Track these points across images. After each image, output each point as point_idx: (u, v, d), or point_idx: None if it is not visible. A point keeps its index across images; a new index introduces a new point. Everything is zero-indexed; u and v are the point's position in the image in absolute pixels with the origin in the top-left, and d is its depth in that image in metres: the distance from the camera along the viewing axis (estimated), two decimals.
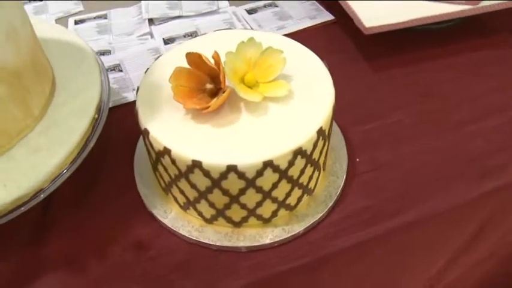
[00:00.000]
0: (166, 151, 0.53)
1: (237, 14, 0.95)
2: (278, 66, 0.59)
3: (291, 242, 0.61)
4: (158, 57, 0.65)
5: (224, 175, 0.52)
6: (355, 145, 0.71)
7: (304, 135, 0.54)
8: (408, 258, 0.71)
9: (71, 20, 0.97)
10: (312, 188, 0.63)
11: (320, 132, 0.56)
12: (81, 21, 0.96)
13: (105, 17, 0.97)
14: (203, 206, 0.58)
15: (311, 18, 0.94)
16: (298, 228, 0.61)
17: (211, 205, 0.57)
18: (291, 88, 0.58)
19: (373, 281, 0.71)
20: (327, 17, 0.94)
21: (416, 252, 0.71)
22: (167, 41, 0.89)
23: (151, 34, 0.91)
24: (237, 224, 0.60)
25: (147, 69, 0.63)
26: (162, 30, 0.92)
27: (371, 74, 0.84)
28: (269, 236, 0.60)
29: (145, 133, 0.55)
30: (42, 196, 0.54)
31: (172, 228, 0.61)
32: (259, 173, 0.53)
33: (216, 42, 0.59)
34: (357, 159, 0.69)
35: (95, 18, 0.97)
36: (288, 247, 0.61)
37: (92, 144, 0.57)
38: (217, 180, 0.53)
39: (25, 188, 0.52)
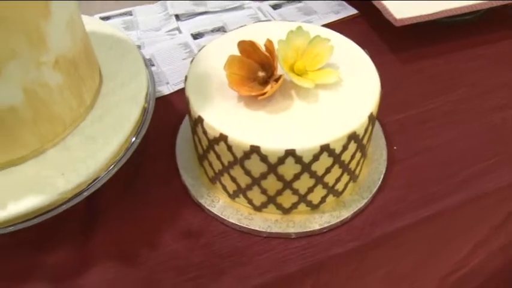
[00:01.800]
0: (223, 137, 0.54)
1: (262, 9, 0.96)
2: (325, 55, 0.60)
3: (339, 227, 0.61)
4: (202, 47, 0.65)
5: (282, 160, 0.53)
6: (392, 133, 0.72)
7: (357, 120, 0.55)
8: (443, 243, 0.72)
9: (97, 17, 0.97)
10: (358, 174, 0.64)
11: (371, 117, 0.56)
12: (107, 18, 0.97)
13: (130, 13, 0.98)
14: (254, 193, 0.59)
15: (335, 13, 0.95)
16: (345, 213, 0.61)
17: (264, 191, 0.58)
18: (339, 75, 0.59)
19: (407, 265, 0.72)
20: (351, 11, 0.96)
21: (451, 237, 0.72)
22: (196, 36, 0.90)
23: (179, 29, 0.92)
24: (286, 211, 0.60)
25: (193, 59, 0.63)
26: (189, 26, 0.93)
27: (399, 65, 0.85)
28: (318, 221, 0.60)
29: (199, 121, 0.56)
30: (98, 184, 0.54)
31: (222, 216, 0.61)
32: (316, 157, 0.53)
33: (256, 33, 0.59)
34: (394, 147, 0.70)
35: (120, 15, 0.97)
36: (337, 232, 0.61)
37: (143, 132, 0.58)
38: (273, 165, 0.54)
39: (84, 176, 0.52)
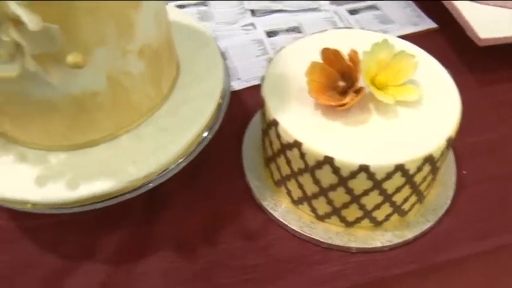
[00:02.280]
0: (297, 144, 0.53)
1: (339, 13, 0.95)
2: (409, 71, 0.58)
3: (400, 247, 0.60)
4: (281, 48, 0.65)
5: (354, 174, 0.52)
6: (462, 157, 0.70)
7: (435, 143, 0.53)
8: (503, 278, 0.70)
9: (172, 5, 0.97)
10: (425, 196, 0.62)
11: (449, 141, 0.55)
12: (182, 6, 0.97)
13: (204, 4, 0.98)
14: (320, 203, 0.58)
15: (413, 24, 0.92)
16: (408, 234, 0.60)
17: (329, 202, 0.57)
18: (420, 93, 0.57)
19: None
20: (430, 24, 0.93)
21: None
22: (270, 34, 0.89)
23: (254, 25, 0.91)
24: (349, 224, 0.59)
25: (271, 60, 0.63)
26: (264, 23, 0.92)
27: (476, 86, 0.83)
28: (380, 239, 0.59)
29: (274, 124, 0.55)
30: (167, 176, 0.54)
31: (283, 221, 0.61)
32: (389, 176, 0.52)
33: (337, 40, 0.58)
34: (464, 172, 0.68)
35: (195, 4, 0.98)
36: (397, 252, 0.60)
37: (216, 128, 0.58)
38: (345, 178, 0.53)
39: (154, 166, 0.53)
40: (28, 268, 0.61)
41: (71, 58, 0.41)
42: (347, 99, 0.53)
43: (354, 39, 0.59)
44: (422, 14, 0.95)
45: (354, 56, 0.55)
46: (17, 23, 0.39)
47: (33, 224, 0.64)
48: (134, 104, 0.55)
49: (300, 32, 0.90)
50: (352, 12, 0.96)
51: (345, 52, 0.56)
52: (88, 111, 0.51)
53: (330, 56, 0.56)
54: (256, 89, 0.71)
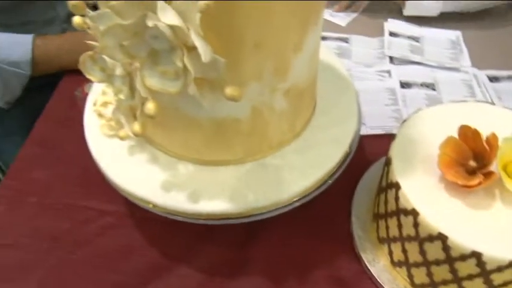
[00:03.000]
0: (413, 212, 0.53)
1: (478, 77, 0.93)
2: None
3: None
4: (417, 111, 0.65)
5: (464, 257, 0.51)
6: None
7: None
8: None
9: None
10: None
11: None
12: (323, 38, 0.99)
13: (346, 40, 1.00)
14: (419, 272, 0.58)
15: None
16: None
17: (429, 275, 0.57)
18: None
19: None
20: None
21: None
22: (403, 85, 0.89)
23: (389, 73, 0.92)
24: None
25: (404, 120, 0.63)
26: (400, 72, 0.92)
27: None
28: None
29: (395, 186, 0.56)
30: (279, 211, 0.57)
31: (377, 278, 0.61)
32: (500, 269, 0.51)
33: (476, 115, 0.59)
34: None
35: (336, 39, 1.00)
36: None
37: (338, 174, 0.59)
38: (453, 258, 0.52)
39: (272, 199, 0.56)
40: (131, 254, 0.67)
41: (229, 91, 0.44)
42: (475, 182, 0.53)
43: (494, 118, 0.58)
44: None
45: (492, 140, 0.54)
46: (191, 50, 0.43)
47: (146, 216, 0.69)
48: (267, 136, 0.58)
49: (434, 89, 0.89)
50: (492, 79, 0.93)
51: (482, 130, 0.55)
52: (226, 134, 0.55)
53: (468, 133, 0.55)
54: (379, 138, 0.72)
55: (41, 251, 0.67)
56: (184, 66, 0.42)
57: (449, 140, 0.56)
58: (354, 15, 1.08)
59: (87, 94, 0.81)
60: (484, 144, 0.55)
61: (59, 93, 0.93)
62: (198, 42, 0.40)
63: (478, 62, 0.97)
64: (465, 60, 0.97)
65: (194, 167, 0.58)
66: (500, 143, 0.54)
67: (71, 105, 0.86)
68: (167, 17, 0.39)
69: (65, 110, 0.89)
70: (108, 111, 0.64)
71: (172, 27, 0.40)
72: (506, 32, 1.05)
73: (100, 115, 0.64)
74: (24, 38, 0.92)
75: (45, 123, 0.88)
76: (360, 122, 0.64)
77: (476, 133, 0.55)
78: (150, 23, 0.39)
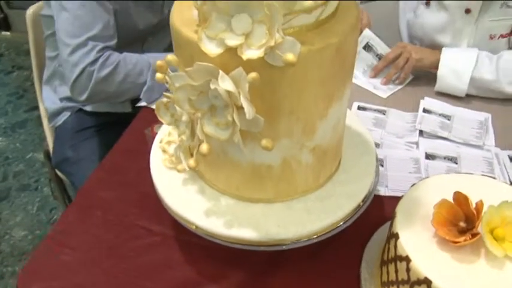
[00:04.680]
0: (407, 259, 0.65)
1: (499, 156, 1.03)
2: None
3: None
4: (423, 179, 0.76)
5: None
6: None
7: None
8: None
9: (355, 104, 1.14)
10: None
11: None
12: (364, 108, 1.13)
13: (383, 112, 1.13)
14: None
15: None
16: None
17: None
18: None
19: None
20: None
21: None
22: (428, 156, 1.01)
23: (417, 144, 1.04)
24: None
25: (413, 184, 0.75)
26: (427, 144, 1.04)
27: None
28: None
29: (395, 236, 0.68)
30: (298, 245, 0.69)
31: None
32: None
33: (475, 186, 0.69)
34: None
35: (375, 110, 1.13)
36: None
37: (352, 221, 0.72)
38: None
39: (292, 234, 0.68)
40: (169, 269, 0.80)
41: (264, 142, 0.59)
42: (461, 239, 0.64)
43: (494, 191, 0.69)
44: None
45: (479, 206, 0.65)
46: (239, 108, 0.57)
47: (187, 239, 0.83)
48: (294, 183, 0.71)
49: (455, 163, 1.00)
50: None
51: (478, 198, 0.66)
52: (260, 177, 0.69)
53: (461, 199, 0.67)
54: (397, 200, 0.84)
55: (97, 256, 0.82)
56: (233, 120, 0.57)
57: (444, 202, 0.67)
58: (396, 89, 1.22)
59: (155, 133, 0.98)
60: (472, 209, 0.66)
61: (131, 130, 1.10)
62: (244, 104, 0.55)
63: (501, 143, 1.07)
64: (489, 140, 1.07)
65: (233, 201, 0.72)
66: (487, 209, 0.65)
67: (139, 140, 1.03)
68: (225, 84, 0.54)
69: (134, 143, 1.06)
70: (171, 148, 0.80)
71: (227, 91, 0.55)
72: None
73: (164, 151, 0.80)
74: (170, 54, 1.19)
75: (115, 153, 1.05)
76: (375, 183, 0.76)
77: (466, 199, 0.66)
78: (212, 86, 0.55)
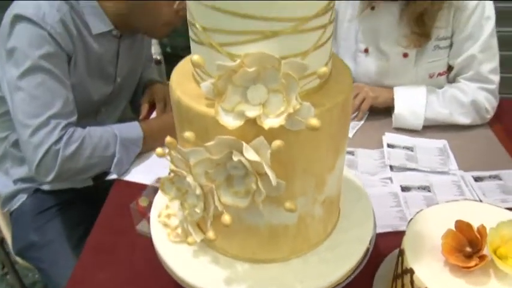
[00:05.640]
0: None
1: (465, 178, 1.10)
2: None
3: None
4: (420, 210, 0.81)
5: None
6: None
7: None
8: None
9: None
10: None
11: None
12: None
13: (352, 153, 1.18)
14: None
15: None
16: None
17: None
18: None
19: None
20: None
21: None
22: (404, 189, 1.07)
23: (391, 179, 1.10)
24: None
25: (411, 219, 0.79)
26: (399, 178, 1.10)
27: None
28: None
29: (410, 271, 0.71)
30: None
31: None
32: None
33: (467, 212, 0.74)
34: None
35: None
36: None
37: (363, 264, 0.74)
38: None
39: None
40: None
41: (288, 205, 0.61)
42: (472, 263, 0.68)
43: (483, 213, 0.74)
44: None
45: (482, 230, 0.70)
46: (262, 175, 0.59)
47: None
48: (308, 238, 0.73)
49: (429, 191, 1.06)
50: (477, 179, 1.11)
51: (474, 222, 0.71)
52: (277, 237, 0.70)
53: (463, 226, 0.71)
54: (389, 235, 0.88)
55: None
56: (257, 187, 0.58)
57: (449, 232, 0.72)
58: (358, 126, 1.28)
59: (142, 207, 0.97)
60: (476, 233, 0.71)
61: (110, 204, 1.10)
62: (268, 171, 0.57)
63: (463, 165, 1.15)
64: (452, 164, 1.15)
65: (249, 265, 0.73)
66: (488, 231, 0.70)
67: (122, 215, 1.02)
68: (249, 154, 0.56)
69: (116, 219, 1.05)
70: (172, 221, 0.79)
71: (251, 161, 0.57)
72: (482, 137, 1.26)
73: (165, 225, 0.80)
74: (134, 123, 1.22)
75: (99, 231, 1.04)
76: (375, 224, 0.80)
77: (469, 225, 0.71)
78: (235, 158, 0.56)
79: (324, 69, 0.54)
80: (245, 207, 0.62)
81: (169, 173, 0.69)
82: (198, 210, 0.68)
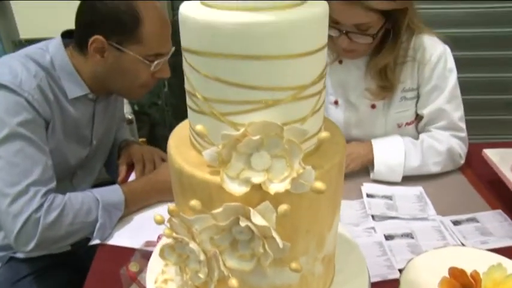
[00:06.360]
0: None
1: (444, 223, 1.14)
2: None
3: None
4: (411, 259, 0.84)
5: None
6: None
7: None
8: None
9: None
10: None
11: None
12: None
13: None
14: None
15: (511, 238, 1.09)
16: None
17: None
18: None
19: None
20: None
21: None
22: (387, 237, 1.09)
23: (374, 229, 1.12)
24: None
25: (403, 269, 0.82)
26: (382, 227, 1.13)
27: None
28: None
29: None
30: None
31: None
32: None
33: (454, 257, 0.78)
34: None
35: None
36: None
37: None
38: None
39: None
40: None
41: (294, 265, 0.62)
42: None
43: (470, 257, 0.77)
44: None
45: (475, 275, 0.73)
46: (268, 239, 0.60)
47: None
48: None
49: (412, 237, 1.09)
50: (456, 223, 1.15)
51: (464, 268, 0.74)
52: None
53: (456, 273, 0.74)
54: (377, 285, 0.90)
55: None
56: (265, 251, 0.60)
57: (444, 280, 0.75)
58: None
59: (132, 272, 0.97)
60: (470, 279, 0.73)
61: (95, 272, 1.08)
62: (275, 234, 0.59)
63: (440, 210, 1.20)
64: (431, 210, 1.19)
65: None
66: (481, 276, 0.73)
67: (108, 282, 1.01)
68: (256, 220, 0.57)
69: (106, 285, 1.02)
70: (169, 287, 0.79)
71: (257, 226, 0.58)
72: (456, 182, 1.32)
73: None
74: (114, 186, 1.21)
75: None
76: (369, 276, 0.82)
77: (463, 272, 0.74)
78: (242, 224, 0.58)
79: (324, 134, 0.57)
80: (251, 270, 0.63)
81: (158, 237, 0.70)
82: (201, 275, 0.68)
